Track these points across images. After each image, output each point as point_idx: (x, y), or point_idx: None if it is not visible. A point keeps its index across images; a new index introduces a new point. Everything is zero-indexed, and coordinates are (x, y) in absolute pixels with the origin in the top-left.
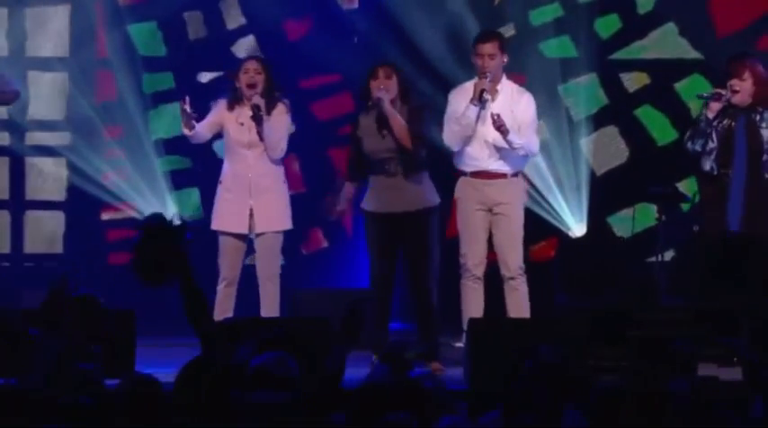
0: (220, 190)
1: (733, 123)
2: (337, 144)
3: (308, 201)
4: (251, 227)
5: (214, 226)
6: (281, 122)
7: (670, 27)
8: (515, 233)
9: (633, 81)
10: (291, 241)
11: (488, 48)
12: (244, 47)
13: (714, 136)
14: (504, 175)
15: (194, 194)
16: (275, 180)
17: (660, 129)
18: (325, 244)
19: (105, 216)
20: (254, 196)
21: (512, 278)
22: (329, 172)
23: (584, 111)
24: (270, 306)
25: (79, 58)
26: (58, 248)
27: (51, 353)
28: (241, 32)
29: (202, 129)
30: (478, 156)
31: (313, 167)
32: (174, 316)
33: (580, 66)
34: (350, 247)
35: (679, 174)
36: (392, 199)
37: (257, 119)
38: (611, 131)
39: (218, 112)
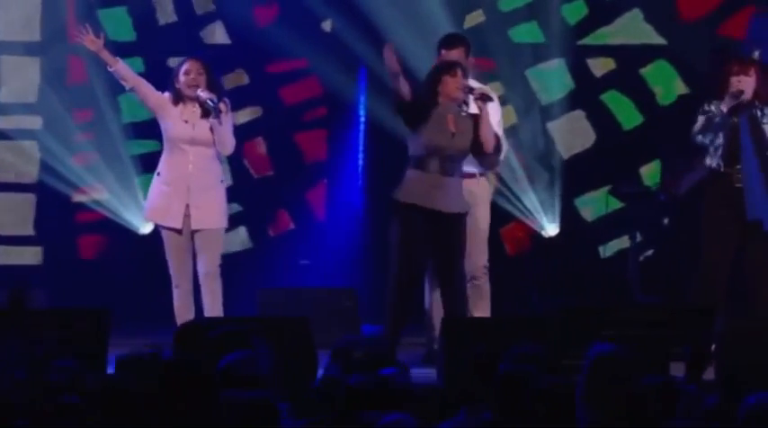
0: (158, 181)
1: (737, 120)
2: (304, 128)
3: (275, 184)
4: (186, 224)
5: (148, 216)
6: (228, 119)
7: (635, 13)
8: (481, 232)
9: (600, 66)
10: (258, 223)
11: (454, 55)
12: (212, 32)
13: (720, 132)
14: (472, 175)
15: None
16: (214, 178)
17: (626, 114)
18: (291, 226)
19: (75, 198)
20: (193, 193)
21: (474, 277)
22: (296, 155)
23: (551, 96)
24: (212, 304)
25: (50, 43)
26: (29, 230)
27: (17, 356)
28: (210, 18)
29: (144, 86)
30: None
31: (280, 151)
32: (148, 315)
33: (548, 51)
34: (316, 229)
35: (643, 159)
36: (444, 197)
37: (214, 110)
38: (579, 115)
39: (165, 100)
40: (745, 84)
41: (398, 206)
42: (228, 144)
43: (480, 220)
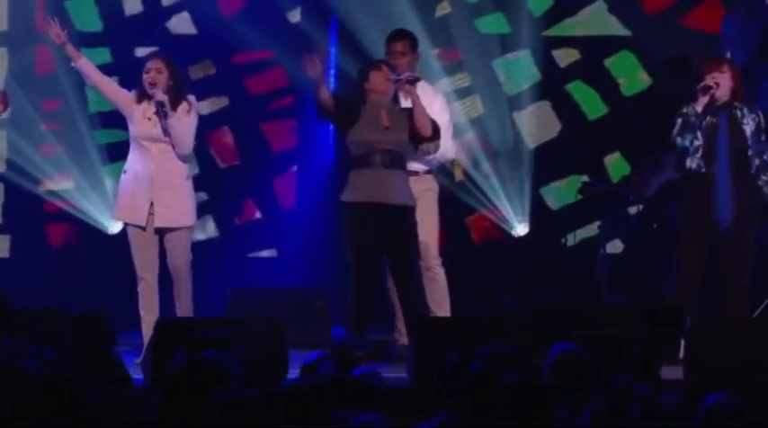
0: (124, 179)
1: (715, 120)
2: (270, 118)
3: (242, 174)
4: (149, 221)
5: (115, 215)
6: (186, 119)
7: (600, 5)
8: (429, 224)
9: (564, 57)
10: (225, 212)
11: (399, 46)
12: (178, 22)
13: (699, 133)
14: (415, 173)
15: None
16: (178, 176)
17: (590, 104)
18: (258, 214)
19: (42, 187)
20: (156, 190)
21: (427, 268)
22: (262, 145)
23: (517, 86)
24: (182, 302)
25: (18, 33)
26: None
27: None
28: (176, 8)
29: (106, 85)
30: None
31: (246, 140)
32: (119, 307)
33: (514, 42)
34: (282, 217)
35: (608, 149)
36: (383, 189)
37: (161, 115)
38: (544, 106)
39: (131, 98)
40: (720, 80)
41: (345, 207)
42: (184, 143)
43: (427, 213)
